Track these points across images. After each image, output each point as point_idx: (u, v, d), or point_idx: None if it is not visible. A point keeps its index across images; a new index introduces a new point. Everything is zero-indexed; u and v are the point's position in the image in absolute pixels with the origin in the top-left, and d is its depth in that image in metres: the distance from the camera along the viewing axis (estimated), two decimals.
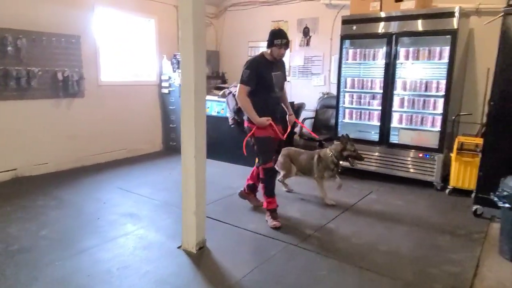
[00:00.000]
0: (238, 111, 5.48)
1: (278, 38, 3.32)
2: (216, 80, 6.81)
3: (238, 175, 5.18)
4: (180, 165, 2.99)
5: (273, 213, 3.56)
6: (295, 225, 3.56)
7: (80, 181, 4.76)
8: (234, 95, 5.53)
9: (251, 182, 3.95)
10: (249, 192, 4.01)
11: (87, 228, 3.42)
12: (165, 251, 3.03)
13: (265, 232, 3.37)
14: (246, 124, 3.62)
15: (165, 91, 6.34)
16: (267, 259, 2.90)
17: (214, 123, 5.81)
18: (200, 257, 2.95)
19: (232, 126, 5.61)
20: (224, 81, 6.92)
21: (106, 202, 4.07)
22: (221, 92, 5.84)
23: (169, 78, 6.24)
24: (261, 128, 3.44)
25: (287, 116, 3.81)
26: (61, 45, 4.93)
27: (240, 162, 5.66)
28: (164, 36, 6.35)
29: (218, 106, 5.84)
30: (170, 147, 6.52)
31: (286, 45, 3.36)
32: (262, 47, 6.74)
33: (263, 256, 2.96)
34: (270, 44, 3.36)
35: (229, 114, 5.62)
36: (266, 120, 3.41)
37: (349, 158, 4.01)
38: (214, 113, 5.87)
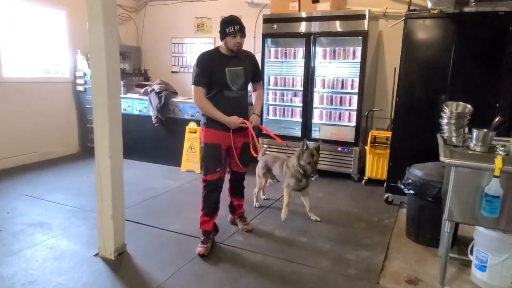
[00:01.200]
0: (162, 109, 5.33)
1: (229, 25, 2.81)
2: (138, 77, 6.52)
3: (162, 176, 5.02)
4: None
5: (204, 235, 3.02)
6: (221, 222, 3.53)
7: None
8: (157, 93, 5.35)
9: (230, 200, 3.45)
10: (231, 213, 3.52)
11: None
12: (79, 260, 2.81)
13: (190, 232, 3.30)
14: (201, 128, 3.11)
15: (81, 88, 5.90)
16: (190, 260, 2.84)
17: (136, 122, 5.57)
18: (119, 263, 2.78)
19: (156, 125, 5.43)
20: (147, 78, 6.65)
21: (10, 211, 3.66)
22: (143, 90, 5.60)
23: (85, 74, 5.81)
24: (209, 133, 2.98)
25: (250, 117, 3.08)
26: None
27: (163, 162, 5.50)
28: (77, 30, 5.87)
29: (140, 104, 5.59)
30: (88, 148, 6.08)
31: (241, 31, 2.84)
32: (186, 44, 6.62)
33: (187, 257, 2.88)
34: (223, 35, 2.87)
35: (152, 113, 5.42)
36: (236, 119, 2.89)
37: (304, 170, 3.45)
38: (136, 112, 5.62)
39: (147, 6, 6.81)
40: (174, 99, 5.40)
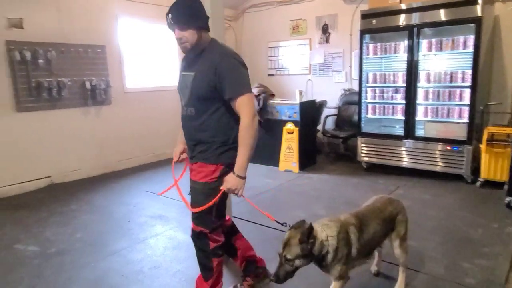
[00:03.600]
0: (260, 111, 5.55)
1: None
2: None
3: (261, 175, 5.22)
4: None
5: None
6: None
7: (110, 186, 4.92)
8: (256, 96, 5.59)
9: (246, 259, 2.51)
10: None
11: (119, 230, 3.55)
12: (194, 251, 3.07)
13: None
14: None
15: None
16: None
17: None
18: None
19: None
20: None
21: (135, 205, 4.20)
22: None
23: None
24: None
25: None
26: (88, 55, 5.13)
27: (262, 162, 5.69)
28: None
29: None
30: None
31: (177, 23, 1.89)
32: (282, 47, 6.78)
33: None
34: None
35: None
36: (176, 150, 2.35)
37: None
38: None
39: (245, 13, 7.15)
40: (272, 101, 5.58)
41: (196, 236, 2.16)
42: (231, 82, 1.91)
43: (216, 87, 1.93)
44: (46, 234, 3.46)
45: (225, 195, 2.09)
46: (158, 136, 6.23)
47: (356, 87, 5.71)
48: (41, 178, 4.84)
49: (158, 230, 3.51)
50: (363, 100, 5.25)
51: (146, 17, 5.91)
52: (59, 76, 4.82)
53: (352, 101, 5.83)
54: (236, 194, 1.98)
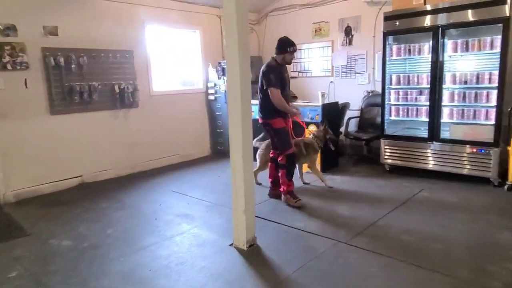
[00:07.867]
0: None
1: (291, 46, 3.98)
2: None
3: None
4: (228, 168, 3.15)
5: (293, 193, 4.14)
6: (344, 223, 3.58)
7: (138, 185, 5.09)
8: None
9: (272, 179, 4.45)
10: (276, 187, 4.36)
11: (146, 227, 3.69)
12: (218, 248, 3.19)
13: (313, 230, 3.43)
14: (267, 121, 4.11)
15: (212, 97, 6.60)
16: (315, 256, 2.96)
17: (259, 126, 5.95)
18: (251, 254, 3.07)
19: None
20: None
21: (162, 204, 4.34)
22: None
23: (215, 85, 6.49)
24: (278, 121, 4.05)
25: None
26: (117, 60, 5.34)
27: None
28: (208, 45, 6.63)
29: None
30: (218, 151, 6.76)
31: (295, 50, 4.09)
32: (304, 49, 6.82)
33: (312, 253, 3.02)
34: (284, 51, 3.98)
35: None
36: (296, 110, 4.25)
37: (330, 141, 4.68)
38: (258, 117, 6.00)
39: (268, 17, 7.24)
40: (294, 103, 5.61)
41: (292, 155, 4.23)
42: None
43: None
44: (79, 230, 3.65)
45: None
46: (184, 138, 6.40)
47: (379, 89, 5.67)
48: (73, 177, 5.08)
49: (184, 228, 3.63)
50: (386, 102, 5.22)
51: (171, 22, 6.09)
52: (90, 80, 5.05)
53: (375, 103, 5.81)
54: None
